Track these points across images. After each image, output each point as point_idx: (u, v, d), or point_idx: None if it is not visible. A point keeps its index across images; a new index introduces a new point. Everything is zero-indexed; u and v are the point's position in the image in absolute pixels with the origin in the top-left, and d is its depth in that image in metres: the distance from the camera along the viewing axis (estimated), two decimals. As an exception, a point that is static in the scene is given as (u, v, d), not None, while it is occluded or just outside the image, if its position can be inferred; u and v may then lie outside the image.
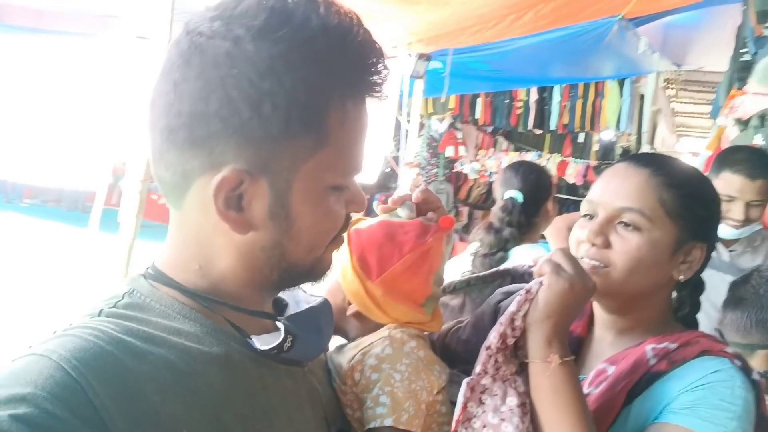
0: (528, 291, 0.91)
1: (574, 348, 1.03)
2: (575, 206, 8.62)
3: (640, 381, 0.95)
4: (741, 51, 3.57)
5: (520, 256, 2.07)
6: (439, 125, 9.11)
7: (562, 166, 8.75)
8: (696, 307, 1.09)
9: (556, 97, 8.08)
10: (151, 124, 0.70)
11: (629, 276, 0.99)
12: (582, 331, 1.11)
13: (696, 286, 1.08)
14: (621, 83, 7.58)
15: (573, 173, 8.69)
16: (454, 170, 9.71)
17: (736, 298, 1.59)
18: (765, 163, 2.16)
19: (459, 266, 2.14)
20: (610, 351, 1.04)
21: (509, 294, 1.03)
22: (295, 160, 0.68)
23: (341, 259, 0.96)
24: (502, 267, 1.21)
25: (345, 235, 0.81)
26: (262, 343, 0.74)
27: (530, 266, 1.08)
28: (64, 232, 9.42)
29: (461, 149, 9.02)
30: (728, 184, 2.09)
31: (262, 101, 0.64)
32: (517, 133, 9.37)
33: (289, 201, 0.69)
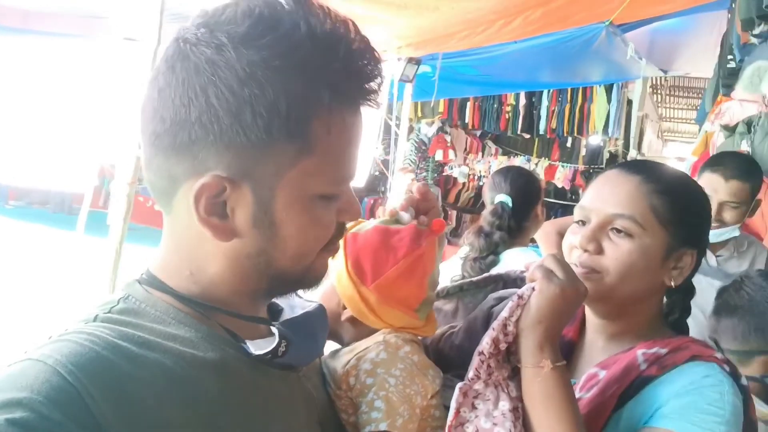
0: (520, 296, 0.92)
1: (565, 352, 1.03)
2: (563, 210, 8.71)
3: (631, 385, 0.96)
4: (727, 58, 3.60)
5: (511, 260, 2.08)
6: (428, 129, 9.13)
7: (551, 171, 8.81)
8: (686, 312, 1.10)
9: (545, 101, 8.13)
10: (142, 129, 0.71)
11: (621, 281, 1.00)
12: (574, 335, 1.12)
13: (686, 291, 1.09)
14: (609, 88, 7.64)
15: (561, 177, 8.76)
16: (443, 174, 9.74)
17: (730, 306, 1.61)
18: (745, 167, 2.21)
19: (449, 270, 2.15)
20: (601, 355, 1.05)
21: (502, 299, 1.04)
22: (278, 168, 0.67)
23: (336, 264, 0.96)
24: (495, 272, 1.22)
25: (340, 242, 0.81)
26: (257, 348, 0.74)
27: (522, 271, 1.08)
28: (51, 234, 9.32)
29: (450, 153, 9.05)
30: (706, 183, 2.13)
31: (243, 108, 0.64)
32: (506, 137, 9.42)
33: (272, 209, 0.69)
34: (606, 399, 0.96)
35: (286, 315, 0.84)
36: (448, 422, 0.88)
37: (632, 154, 7.09)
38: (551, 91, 8.02)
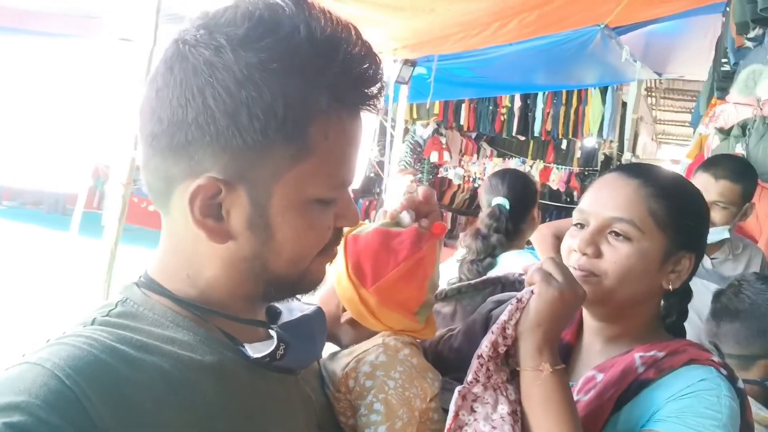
0: (519, 300, 0.92)
1: (563, 355, 1.04)
2: (558, 212, 8.72)
3: (629, 389, 0.96)
4: (722, 61, 3.62)
5: (508, 262, 2.09)
6: (423, 131, 9.15)
7: (546, 173, 8.84)
8: (683, 315, 1.11)
9: (540, 104, 8.16)
10: (140, 129, 0.71)
11: (619, 285, 1.00)
12: (571, 338, 1.12)
13: (684, 294, 1.09)
14: (603, 91, 7.67)
15: (556, 179, 8.79)
16: (438, 175, 9.76)
17: (731, 310, 1.60)
18: (738, 169, 2.21)
19: (445, 273, 2.16)
20: (598, 358, 1.05)
21: (500, 303, 1.04)
22: (275, 171, 0.67)
23: (337, 266, 0.96)
24: (493, 275, 1.22)
25: (338, 247, 0.81)
26: (255, 351, 0.74)
27: (521, 274, 1.08)
28: (44, 235, 9.28)
29: (445, 155, 9.07)
30: (697, 183, 2.14)
31: (239, 110, 0.64)
32: (501, 139, 9.45)
33: (268, 212, 0.69)
34: (603, 402, 0.96)
35: (285, 318, 0.84)
36: (447, 425, 0.88)
37: (627, 156, 7.11)
38: (546, 93, 8.05)
